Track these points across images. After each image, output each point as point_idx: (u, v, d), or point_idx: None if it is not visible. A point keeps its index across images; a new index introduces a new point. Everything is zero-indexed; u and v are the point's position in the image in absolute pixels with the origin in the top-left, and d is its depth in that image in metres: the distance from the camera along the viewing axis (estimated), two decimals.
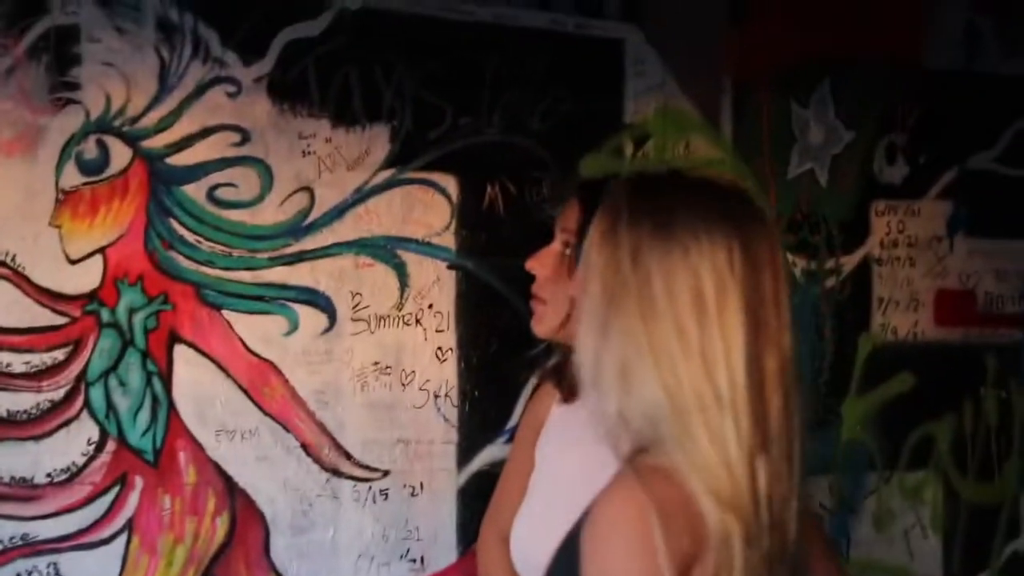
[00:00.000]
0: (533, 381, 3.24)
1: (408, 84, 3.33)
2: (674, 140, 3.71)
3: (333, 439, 3.25)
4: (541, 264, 2.61)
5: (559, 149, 3.52)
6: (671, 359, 1.74)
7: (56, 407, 2.92)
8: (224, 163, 3.12)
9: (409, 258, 3.33)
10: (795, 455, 1.81)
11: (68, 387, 2.93)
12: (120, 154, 3.00)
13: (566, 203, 2.59)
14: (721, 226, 1.79)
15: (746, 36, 3.81)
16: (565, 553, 1.89)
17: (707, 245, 1.77)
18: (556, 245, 2.58)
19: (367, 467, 3.29)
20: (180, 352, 3.07)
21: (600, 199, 1.93)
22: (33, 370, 2.89)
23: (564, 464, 2.53)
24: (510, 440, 3.27)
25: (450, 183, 3.39)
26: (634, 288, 1.77)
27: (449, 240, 3.38)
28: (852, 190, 4.01)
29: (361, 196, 3.27)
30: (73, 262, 2.95)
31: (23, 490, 2.88)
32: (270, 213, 3.17)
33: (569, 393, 2.53)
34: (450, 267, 3.39)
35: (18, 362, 2.88)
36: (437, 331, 3.38)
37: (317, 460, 3.22)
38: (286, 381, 3.19)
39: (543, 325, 2.59)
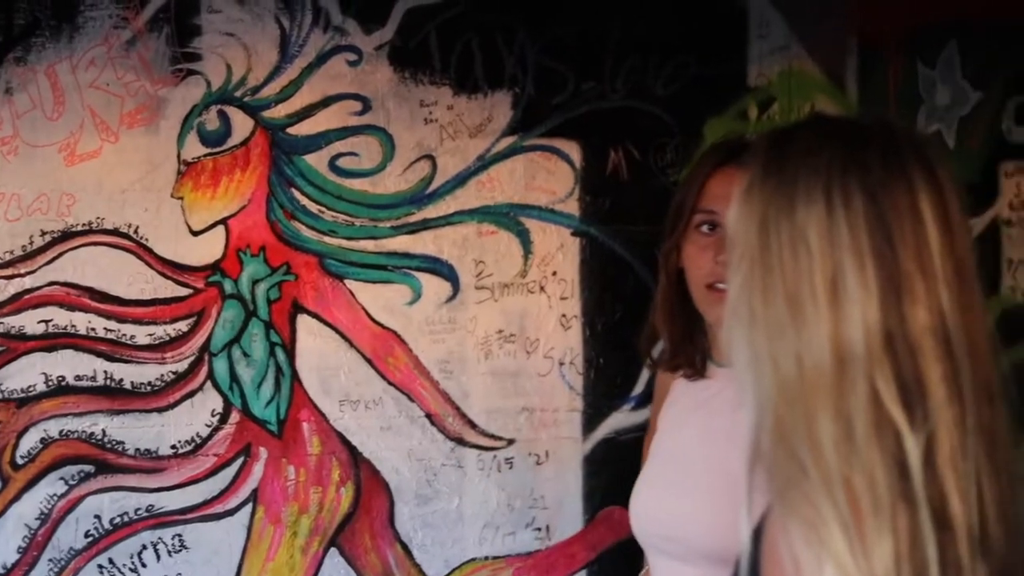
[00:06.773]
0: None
1: (530, 50, 3.16)
2: (799, 102, 3.49)
3: (457, 408, 3.12)
4: None
5: (683, 114, 3.32)
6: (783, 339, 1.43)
7: (180, 379, 2.81)
8: (345, 132, 3.00)
9: (532, 225, 3.17)
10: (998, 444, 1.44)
11: (192, 358, 2.84)
12: (241, 124, 2.89)
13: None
14: (845, 177, 1.45)
15: None
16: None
17: (821, 202, 1.43)
18: None
19: (492, 436, 3.14)
20: (303, 322, 2.96)
21: None
22: (157, 342, 2.81)
23: (682, 435, 2.31)
24: (636, 407, 3.21)
25: (573, 149, 3.21)
26: (759, 257, 1.46)
27: (573, 207, 3.20)
28: (980, 151, 3.69)
29: (483, 163, 3.12)
30: (195, 233, 2.85)
31: (148, 462, 2.80)
32: (392, 182, 3.04)
33: (693, 373, 2.27)
34: (574, 234, 3.21)
35: (142, 334, 2.79)
36: (561, 298, 3.21)
37: (442, 430, 3.09)
38: (410, 350, 3.06)
39: None
